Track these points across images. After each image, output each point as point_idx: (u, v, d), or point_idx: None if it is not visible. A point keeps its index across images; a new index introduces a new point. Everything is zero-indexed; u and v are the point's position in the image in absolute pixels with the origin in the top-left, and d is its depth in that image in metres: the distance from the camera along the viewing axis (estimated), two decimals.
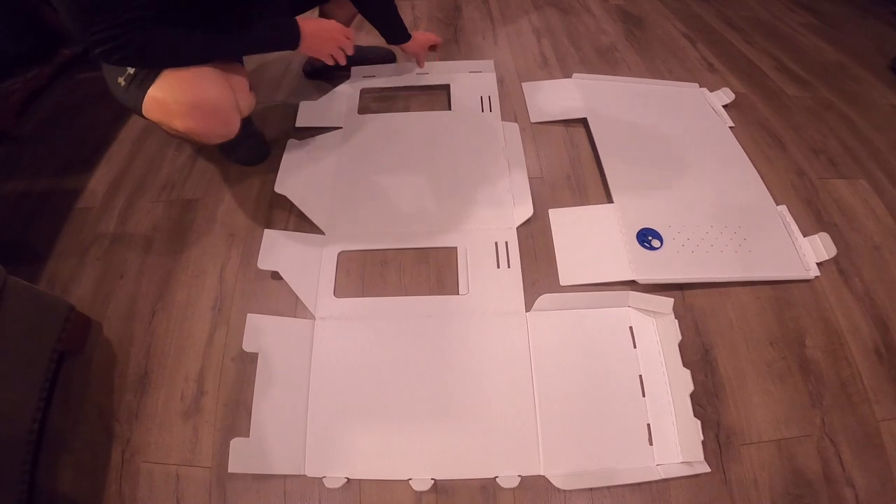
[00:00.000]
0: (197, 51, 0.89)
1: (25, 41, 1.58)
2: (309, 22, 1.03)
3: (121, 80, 0.92)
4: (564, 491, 0.80)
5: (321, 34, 1.05)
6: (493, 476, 0.81)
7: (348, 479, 0.82)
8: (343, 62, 1.11)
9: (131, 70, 0.90)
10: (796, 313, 1.00)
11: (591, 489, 0.80)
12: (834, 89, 1.56)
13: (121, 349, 0.97)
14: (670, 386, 0.88)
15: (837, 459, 0.83)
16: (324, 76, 1.53)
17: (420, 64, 1.48)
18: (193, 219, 1.16)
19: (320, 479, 0.81)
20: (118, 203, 1.21)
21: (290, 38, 1.00)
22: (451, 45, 1.71)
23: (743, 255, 1.06)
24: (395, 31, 1.36)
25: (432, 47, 1.46)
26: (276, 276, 1.04)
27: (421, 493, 0.80)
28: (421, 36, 1.43)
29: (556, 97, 1.46)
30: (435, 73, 1.52)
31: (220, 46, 0.92)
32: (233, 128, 0.98)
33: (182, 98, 0.87)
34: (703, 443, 0.84)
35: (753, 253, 1.06)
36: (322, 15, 1.37)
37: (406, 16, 1.85)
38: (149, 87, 0.88)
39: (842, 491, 0.80)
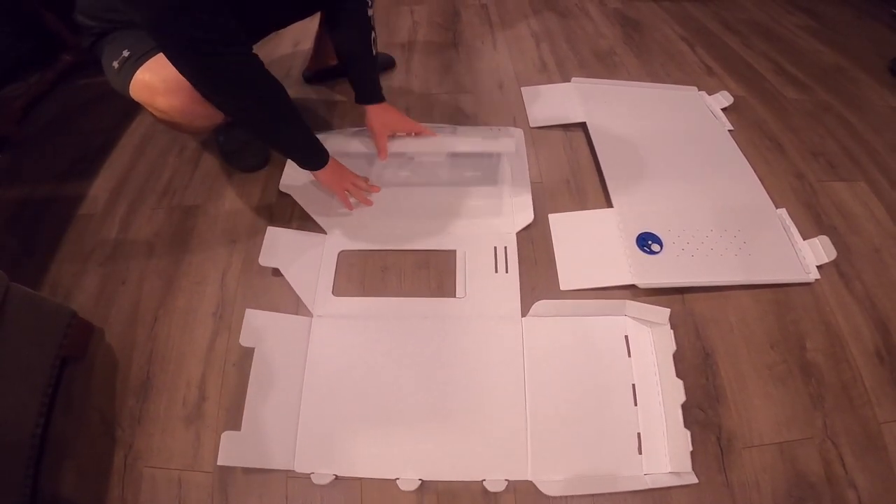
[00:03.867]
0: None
1: (27, 47, 1.59)
2: (334, 163, 1.09)
3: (115, 64, 0.93)
4: (563, 497, 0.80)
5: (336, 177, 1.11)
6: (480, 479, 0.81)
7: (336, 476, 0.82)
8: (350, 207, 1.15)
9: (126, 53, 0.92)
10: (797, 316, 1.00)
11: (592, 495, 0.80)
12: (832, 92, 1.56)
13: (123, 355, 0.97)
14: (662, 396, 0.88)
15: (839, 462, 0.83)
16: (323, 81, 1.54)
17: (379, 152, 1.16)
18: (195, 225, 1.17)
19: (322, 485, 0.81)
20: (120, 209, 1.22)
21: (317, 162, 1.06)
22: (451, 51, 1.72)
23: (743, 258, 1.06)
24: (363, 83, 1.15)
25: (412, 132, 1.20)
26: (278, 274, 1.04)
27: (421, 495, 0.81)
28: (395, 115, 1.17)
29: (556, 102, 1.47)
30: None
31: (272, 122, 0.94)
32: (216, 111, 0.95)
33: (169, 76, 0.87)
34: (705, 446, 0.84)
35: (753, 256, 1.06)
36: (319, 36, 1.38)
37: (405, 21, 1.87)
38: (139, 68, 0.90)
39: (844, 493, 0.80)
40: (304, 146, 1.04)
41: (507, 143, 1.21)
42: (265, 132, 0.98)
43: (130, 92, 0.93)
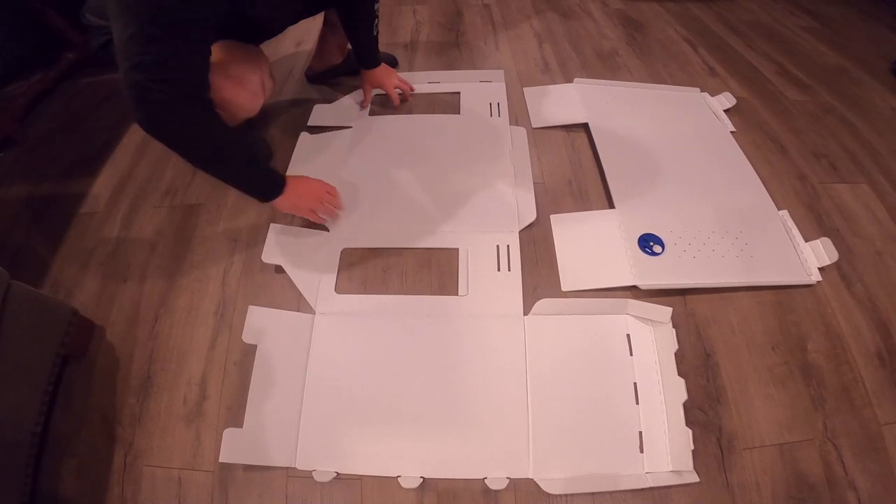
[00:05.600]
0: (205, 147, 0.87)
1: (29, 45, 1.60)
2: (291, 186, 1.02)
3: None
4: (564, 496, 0.80)
5: (294, 200, 1.04)
6: (481, 477, 0.81)
7: (338, 473, 0.82)
8: (321, 220, 1.11)
9: None
10: (798, 318, 1.00)
11: (592, 493, 0.80)
12: (835, 93, 1.56)
13: (124, 353, 0.97)
14: (664, 394, 0.88)
15: (840, 463, 0.83)
16: (326, 81, 1.54)
17: (366, 101, 1.44)
18: (196, 224, 1.17)
19: (323, 484, 0.81)
20: (122, 208, 1.22)
21: (271, 192, 1.00)
22: (454, 50, 1.72)
23: (744, 260, 1.06)
24: (364, 53, 1.35)
25: (400, 95, 1.44)
26: (279, 272, 1.05)
27: (422, 494, 0.81)
28: (385, 75, 1.41)
29: (558, 102, 1.46)
30: (446, 81, 1.53)
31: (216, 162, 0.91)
32: (258, 102, 1.06)
33: (214, 69, 0.87)
34: (705, 447, 0.84)
35: (755, 258, 1.06)
36: (326, 24, 1.39)
37: (408, 20, 1.87)
38: None
39: (844, 494, 0.80)
40: (250, 183, 0.98)
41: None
42: (212, 172, 0.95)
43: None
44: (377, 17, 1.27)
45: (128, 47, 0.72)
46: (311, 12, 1.25)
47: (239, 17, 0.88)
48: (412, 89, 1.47)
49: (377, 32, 1.31)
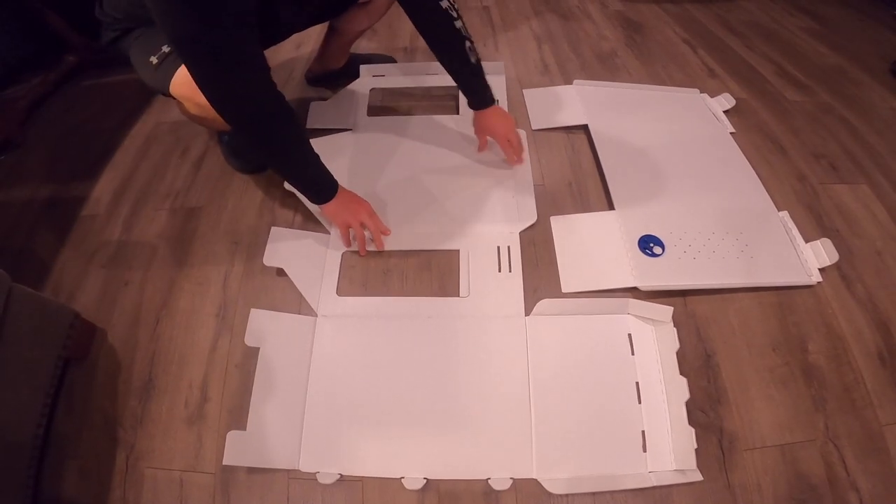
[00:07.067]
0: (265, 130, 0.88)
1: (29, 47, 1.60)
2: (343, 195, 1.05)
3: (153, 59, 0.95)
4: (567, 496, 0.80)
5: (341, 209, 1.05)
6: (485, 478, 0.81)
7: (342, 475, 0.82)
8: (347, 244, 1.10)
9: (166, 48, 0.93)
10: (799, 319, 1.00)
11: (593, 493, 0.80)
12: (834, 93, 1.56)
13: (125, 356, 0.97)
14: (666, 394, 0.88)
15: (841, 464, 0.83)
16: (326, 83, 1.54)
17: (480, 146, 1.28)
18: (197, 226, 1.17)
19: (324, 485, 0.81)
20: (123, 211, 1.22)
21: (323, 194, 1.03)
22: None
23: (745, 261, 1.06)
24: (463, 88, 1.19)
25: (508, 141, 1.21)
26: (280, 275, 1.05)
27: (423, 496, 0.81)
28: (498, 120, 1.19)
29: (558, 104, 1.47)
30: (444, 74, 1.52)
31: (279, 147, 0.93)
32: None
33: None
34: (707, 448, 0.84)
35: (755, 259, 1.06)
36: (331, 29, 1.39)
37: (407, 23, 1.83)
38: (181, 64, 0.91)
39: (846, 495, 0.80)
40: (310, 177, 1.01)
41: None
42: (275, 160, 0.97)
43: (171, 86, 0.94)
44: (468, 38, 1.07)
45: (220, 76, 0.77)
46: (324, 18, 1.25)
47: (263, 14, 0.88)
48: (521, 152, 1.26)
49: (476, 60, 1.10)
